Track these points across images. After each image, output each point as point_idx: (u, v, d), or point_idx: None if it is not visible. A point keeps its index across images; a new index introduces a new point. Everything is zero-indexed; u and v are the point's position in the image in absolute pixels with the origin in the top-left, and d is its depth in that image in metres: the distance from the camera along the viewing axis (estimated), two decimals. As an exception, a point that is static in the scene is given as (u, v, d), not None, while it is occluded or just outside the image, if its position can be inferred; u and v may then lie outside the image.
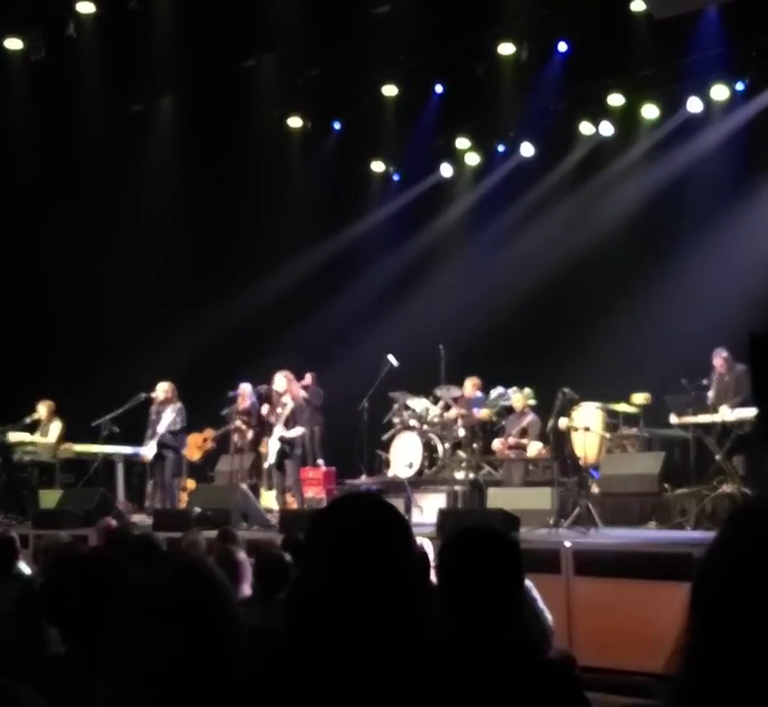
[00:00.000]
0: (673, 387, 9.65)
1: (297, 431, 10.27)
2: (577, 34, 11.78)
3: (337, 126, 14.52)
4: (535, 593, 4.40)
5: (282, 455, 10.25)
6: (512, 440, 10.76)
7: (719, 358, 9.73)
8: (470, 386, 11.80)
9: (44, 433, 11.90)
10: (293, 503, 10.39)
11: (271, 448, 10.36)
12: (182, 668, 1.41)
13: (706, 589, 1.03)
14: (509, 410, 11.40)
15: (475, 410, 11.50)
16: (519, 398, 11.00)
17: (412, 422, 11.91)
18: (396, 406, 12.10)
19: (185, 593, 1.46)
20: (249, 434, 11.71)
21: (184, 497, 11.42)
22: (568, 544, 7.08)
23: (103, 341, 14.43)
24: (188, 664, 1.41)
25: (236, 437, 11.46)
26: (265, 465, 11.07)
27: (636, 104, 12.48)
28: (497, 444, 10.94)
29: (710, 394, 9.50)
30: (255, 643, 1.53)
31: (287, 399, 10.34)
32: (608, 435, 10.47)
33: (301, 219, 14.45)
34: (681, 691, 1.01)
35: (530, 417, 10.82)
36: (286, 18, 11.95)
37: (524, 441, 10.70)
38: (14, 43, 12.93)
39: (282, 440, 10.20)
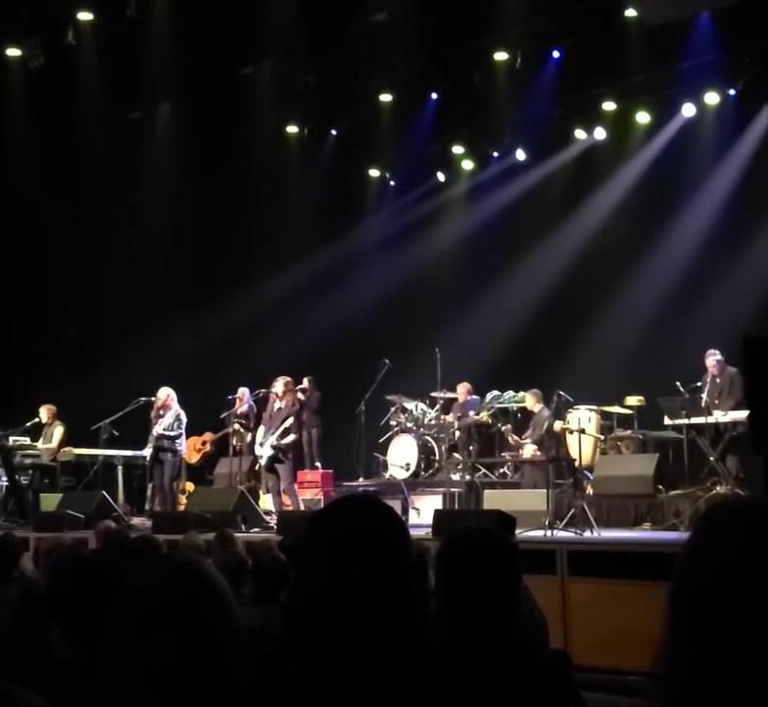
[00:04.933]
0: (667, 389, 9.72)
1: (289, 438, 10.40)
2: (571, 42, 11.83)
3: (334, 133, 14.56)
4: (530, 593, 4.46)
5: (274, 459, 10.36)
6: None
7: (711, 360, 9.78)
8: (463, 392, 11.88)
9: (47, 437, 11.97)
10: (289, 505, 10.46)
11: (263, 451, 10.45)
12: (179, 669, 1.40)
13: (684, 590, 1.05)
14: (523, 413, 11.28)
15: (471, 413, 11.57)
16: (530, 399, 10.80)
17: (409, 425, 11.99)
18: (393, 408, 12.18)
19: (182, 595, 1.45)
20: (247, 437, 11.78)
21: (183, 499, 11.49)
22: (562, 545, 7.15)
23: (103, 345, 14.49)
24: (185, 665, 1.40)
25: (234, 440, 11.55)
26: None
27: (630, 110, 12.56)
28: (530, 451, 10.76)
29: (703, 396, 9.54)
30: (254, 645, 1.53)
31: (282, 404, 10.45)
32: (602, 437, 10.54)
33: (298, 225, 14.50)
34: (665, 691, 1.03)
35: (547, 415, 10.63)
36: (283, 26, 11.97)
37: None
38: (13, 51, 12.98)
39: (276, 448, 10.31)
